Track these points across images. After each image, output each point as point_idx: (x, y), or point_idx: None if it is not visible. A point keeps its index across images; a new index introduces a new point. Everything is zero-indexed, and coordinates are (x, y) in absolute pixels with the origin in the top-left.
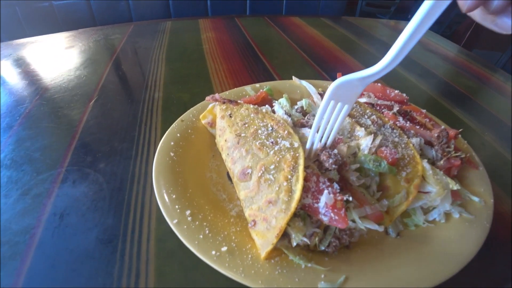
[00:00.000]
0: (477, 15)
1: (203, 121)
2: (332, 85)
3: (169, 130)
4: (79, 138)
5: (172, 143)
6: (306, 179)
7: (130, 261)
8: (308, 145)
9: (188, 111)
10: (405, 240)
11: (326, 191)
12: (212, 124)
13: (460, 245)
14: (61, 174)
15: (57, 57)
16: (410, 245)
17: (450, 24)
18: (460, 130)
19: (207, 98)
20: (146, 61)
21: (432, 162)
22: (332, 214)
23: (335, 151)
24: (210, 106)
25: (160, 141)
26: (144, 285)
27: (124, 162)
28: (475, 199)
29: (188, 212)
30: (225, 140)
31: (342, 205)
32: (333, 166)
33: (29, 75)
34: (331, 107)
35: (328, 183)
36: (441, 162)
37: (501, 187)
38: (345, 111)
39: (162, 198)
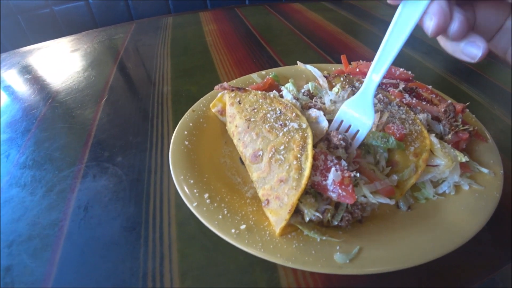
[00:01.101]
0: (448, 45)
1: (213, 110)
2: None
3: (181, 120)
4: (94, 135)
5: (185, 133)
6: (314, 158)
7: (153, 245)
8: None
9: (198, 101)
10: (416, 213)
11: (333, 169)
12: (222, 112)
13: (470, 216)
14: (81, 170)
15: (64, 60)
16: (421, 217)
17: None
18: (467, 103)
19: (216, 87)
20: (152, 57)
21: (440, 137)
22: (340, 191)
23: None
24: (219, 95)
25: (172, 132)
26: (169, 266)
27: (140, 154)
28: (485, 170)
29: (206, 195)
30: (236, 126)
31: (349, 181)
32: (342, 142)
33: (40, 80)
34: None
35: (335, 161)
36: (449, 136)
37: (510, 158)
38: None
39: (181, 184)
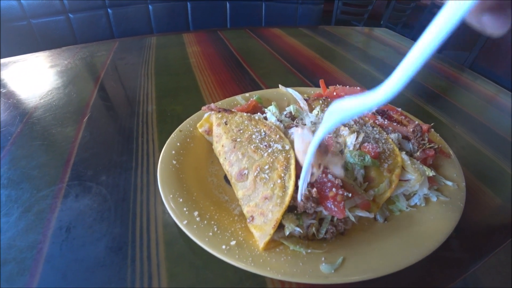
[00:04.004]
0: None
1: (200, 130)
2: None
3: (169, 140)
4: (76, 153)
5: (173, 152)
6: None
7: (141, 265)
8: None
9: (185, 121)
10: (392, 224)
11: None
12: (209, 132)
13: (439, 225)
14: (62, 189)
15: (43, 75)
16: (396, 228)
17: (420, 28)
18: (432, 124)
19: (203, 108)
20: (135, 76)
21: (410, 154)
22: (332, 206)
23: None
24: (206, 115)
25: (158, 151)
26: (157, 285)
27: (125, 173)
28: (449, 183)
29: (196, 213)
30: (222, 146)
31: (342, 199)
32: (312, 207)
33: (16, 95)
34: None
35: (332, 179)
36: (418, 153)
37: (471, 171)
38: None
39: (170, 202)
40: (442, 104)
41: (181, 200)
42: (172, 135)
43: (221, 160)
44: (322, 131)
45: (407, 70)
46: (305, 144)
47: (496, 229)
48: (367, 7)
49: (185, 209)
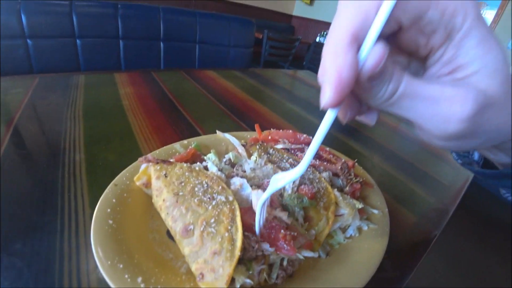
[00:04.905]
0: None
1: (137, 183)
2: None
3: (103, 196)
4: None
5: (108, 210)
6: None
7: None
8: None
9: (120, 174)
10: (333, 258)
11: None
12: (147, 184)
13: (373, 250)
14: None
15: None
16: (337, 260)
17: None
18: (356, 160)
19: (140, 159)
20: (60, 119)
21: (340, 190)
22: (284, 245)
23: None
24: (143, 167)
25: (89, 208)
26: None
27: (48, 238)
28: (375, 211)
29: (139, 279)
30: (164, 200)
31: (291, 238)
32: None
33: None
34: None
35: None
36: (347, 188)
37: (390, 196)
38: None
39: (109, 271)
40: (360, 138)
41: (121, 266)
42: (107, 191)
43: (163, 215)
44: (267, 193)
45: (311, 152)
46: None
47: (417, 243)
48: (291, 50)
49: (126, 276)
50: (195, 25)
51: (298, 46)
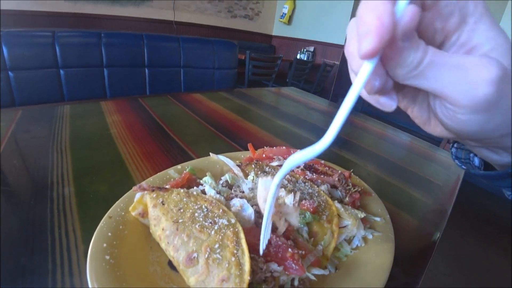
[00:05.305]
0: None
1: (133, 213)
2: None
3: (97, 230)
4: None
5: (104, 245)
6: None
7: None
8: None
9: (114, 205)
10: (342, 271)
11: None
12: (144, 214)
13: (382, 259)
14: None
15: None
16: (347, 273)
17: (318, 82)
18: (352, 170)
19: (134, 188)
20: (46, 152)
21: (340, 201)
22: (293, 264)
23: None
24: (137, 196)
25: (83, 244)
26: None
27: (39, 280)
28: (377, 219)
29: None
30: (163, 229)
31: (299, 257)
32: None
33: None
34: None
35: (285, 241)
36: (347, 198)
37: (389, 202)
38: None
39: None
40: (351, 148)
41: None
42: (101, 224)
43: (163, 246)
44: (278, 178)
45: (338, 123)
46: (267, 192)
47: (422, 247)
48: (274, 69)
49: None
50: (178, 50)
51: (280, 64)
